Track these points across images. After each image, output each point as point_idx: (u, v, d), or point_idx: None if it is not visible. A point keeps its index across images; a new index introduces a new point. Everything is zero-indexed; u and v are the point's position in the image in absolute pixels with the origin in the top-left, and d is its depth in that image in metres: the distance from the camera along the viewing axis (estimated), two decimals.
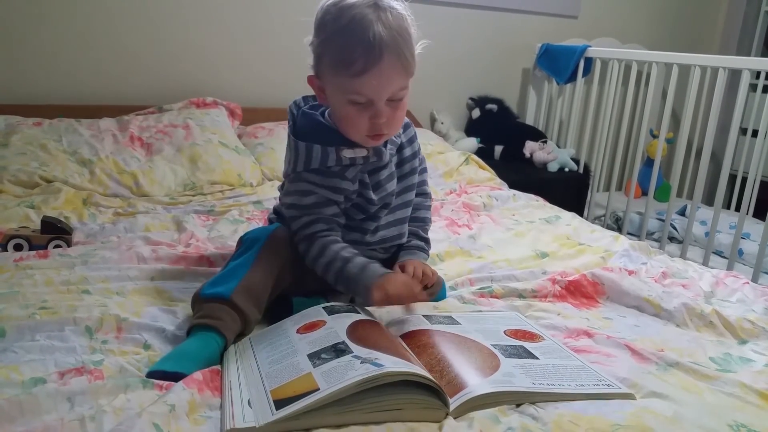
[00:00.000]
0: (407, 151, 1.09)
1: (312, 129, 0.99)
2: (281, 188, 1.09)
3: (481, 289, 1.12)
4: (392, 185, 1.05)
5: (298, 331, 0.84)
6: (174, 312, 0.96)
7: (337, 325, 0.83)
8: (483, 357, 0.83)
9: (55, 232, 1.20)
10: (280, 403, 0.68)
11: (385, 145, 1.02)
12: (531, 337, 0.92)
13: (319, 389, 0.68)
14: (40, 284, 1.00)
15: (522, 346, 0.88)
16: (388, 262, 1.06)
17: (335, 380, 0.69)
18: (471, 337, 0.89)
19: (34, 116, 1.72)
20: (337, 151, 0.97)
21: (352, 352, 0.75)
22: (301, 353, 0.77)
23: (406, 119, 1.07)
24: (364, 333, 0.82)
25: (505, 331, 0.93)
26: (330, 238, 0.98)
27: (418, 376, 0.71)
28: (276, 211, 1.13)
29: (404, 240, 1.11)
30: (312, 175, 0.98)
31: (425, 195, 1.17)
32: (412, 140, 1.10)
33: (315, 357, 0.75)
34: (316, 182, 0.98)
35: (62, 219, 1.29)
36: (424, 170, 1.16)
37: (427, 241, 1.14)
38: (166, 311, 0.96)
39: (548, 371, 0.81)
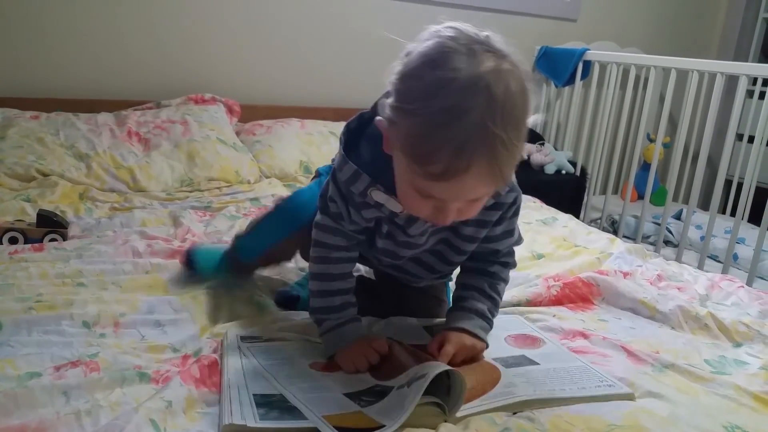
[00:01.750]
0: (468, 230, 0.85)
1: (367, 145, 0.80)
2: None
3: None
4: (418, 242, 0.86)
5: (312, 367, 0.81)
6: (170, 303, 0.96)
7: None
8: (484, 370, 0.83)
9: (51, 225, 1.19)
10: (342, 429, 0.66)
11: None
12: (532, 342, 0.91)
13: (385, 426, 0.66)
14: (34, 277, 1.00)
15: (523, 355, 0.87)
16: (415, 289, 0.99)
17: (397, 413, 0.67)
18: None
19: (31, 109, 1.71)
20: (368, 187, 0.78)
21: (393, 387, 0.73)
22: (334, 391, 0.75)
23: (516, 194, 0.85)
24: (385, 369, 0.80)
25: (506, 338, 0.92)
26: (339, 269, 0.87)
27: (448, 373, 0.71)
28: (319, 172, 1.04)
29: (418, 284, 0.97)
30: (342, 185, 0.82)
31: (506, 264, 0.91)
32: (486, 224, 0.85)
33: (354, 398, 0.73)
34: (342, 194, 0.83)
35: (58, 213, 1.28)
36: (508, 254, 0.91)
37: (493, 301, 0.89)
38: (162, 303, 0.96)
39: (549, 376, 0.81)
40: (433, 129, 0.65)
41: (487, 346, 0.86)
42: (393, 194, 0.77)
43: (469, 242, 0.86)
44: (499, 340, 0.92)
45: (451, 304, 0.92)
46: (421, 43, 0.69)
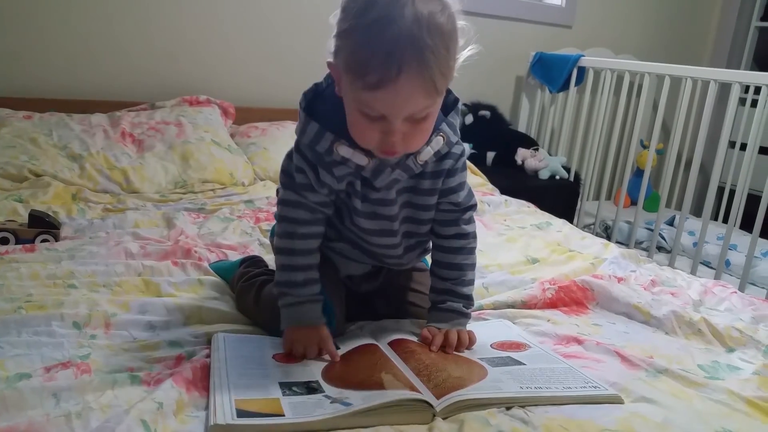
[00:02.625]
0: (426, 184, 0.89)
1: (326, 105, 0.85)
2: None
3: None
4: (388, 210, 0.89)
5: (274, 357, 0.84)
6: (162, 303, 0.95)
7: (314, 364, 0.83)
8: (471, 367, 0.84)
9: (43, 226, 1.18)
10: (241, 413, 0.68)
11: (396, 165, 0.85)
12: (517, 347, 0.92)
13: (284, 416, 0.69)
14: (25, 278, 0.99)
15: (509, 356, 0.88)
16: (384, 274, 1.02)
17: (302, 413, 0.69)
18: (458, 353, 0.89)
19: (24, 109, 1.70)
20: (332, 143, 0.83)
21: (324, 392, 0.75)
22: (272, 378, 0.77)
23: (463, 146, 0.91)
24: (339, 370, 0.81)
25: (491, 345, 0.92)
26: (304, 244, 0.88)
27: (391, 402, 0.71)
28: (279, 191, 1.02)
29: (407, 265, 1.00)
30: (306, 150, 0.85)
31: (465, 237, 0.94)
32: (440, 174, 0.89)
33: (286, 387, 0.76)
34: (307, 160, 0.85)
35: (50, 213, 1.27)
36: (467, 209, 0.94)
37: (466, 299, 0.94)
38: (155, 305, 0.95)
39: (535, 375, 0.81)
40: (366, 40, 0.73)
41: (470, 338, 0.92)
42: (357, 148, 0.82)
43: (429, 195, 0.90)
44: (485, 346, 0.92)
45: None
46: None
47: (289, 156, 0.89)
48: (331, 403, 0.72)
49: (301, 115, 0.85)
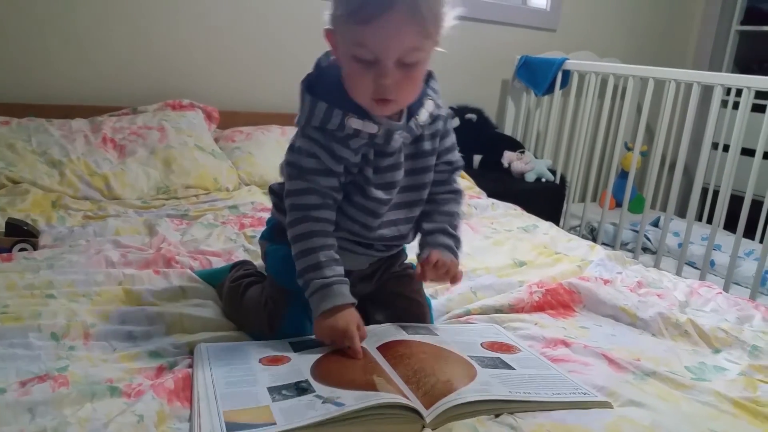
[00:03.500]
0: (426, 146, 0.94)
1: (328, 86, 0.88)
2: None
3: (456, 311, 1.08)
4: (396, 176, 0.92)
5: (261, 361, 0.82)
6: (143, 313, 0.93)
7: (302, 363, 0.82)
8: (460, 367, 0.83)
9: (21, 234, 1.16)
10: (231, 426, 0.67)
11: (402, 129, 0.90)
12: (507, 348, 0.91)
13: (275, 424, 0.67)
14: (1, 288, 0.96)
15: (499, 358, 0.87)
16: (390, 260, 1.02)
17: (294, 418, 0.68)
18: (448, 348, 0.88)
19: (1, 115, 1.67)
20: (343, 116, 0.86)
21: (314, 392, 0.74)
22: (260, 384, 0.76)
23: (448, 110, 0.98)
24: (329, 368, 0.80)
25: (482, 344, 0.92)
26: (318, 226, 0.88)
27: (383, 405, 0.70)
28: (273, 190, 1.00)
29: (408, 241, 1.00)
30: (316, 133, 0.87)
31: (456, 192, 1.01)
32: (436, 134, 0.95)
33: (275, 391, 0.74)
34: (319, 142, 0.87)
35: (29, 221, 1.25)
36: (457, 169, 1.01)
37: (456, 239, 0.98)
38: (135, 314, 0.93)
39: (525, 380, 0.81)
40: None
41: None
42: (366, 118, 0.87)
43: (431, 155, 0.95)
44: (475, 345, 0.91)
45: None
46: None
47: (292, 148, 0.90)
48: (322, 403, 0.71)
49: (307, 98, 0.88)
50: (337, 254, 0.89)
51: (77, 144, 1.63)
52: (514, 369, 0.84)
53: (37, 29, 1.81)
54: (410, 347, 0.87)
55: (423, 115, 0.92)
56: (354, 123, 0.86)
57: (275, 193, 0.98)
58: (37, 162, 1.54)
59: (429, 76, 0.94)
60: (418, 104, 0.91)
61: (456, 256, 0.96)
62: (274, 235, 0.99)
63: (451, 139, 0.99)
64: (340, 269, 0.88)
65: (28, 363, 0.77)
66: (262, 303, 0.93)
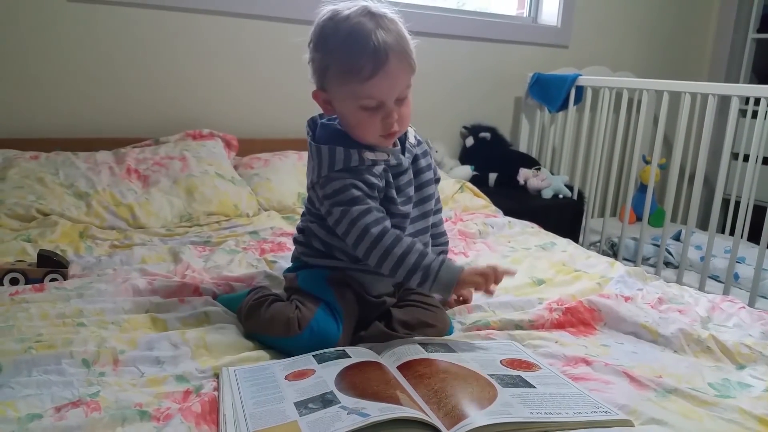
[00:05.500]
0: (422, 162, 1.11)
1: (331, 136, 1.03)
2: (307, 202, 1.10)
3: (476, 322, 1.11)
4: (411, 191, 1.07)
5: (286, 378, 0.84)
6: (169, 338, 0.96)
7: (326, 374, 0.84)
8: (480, 386, 0.83)
9: (52, 265, 1.20)
10: None
11: (402, 152, 1.06)
12: (528, 366, 0.92)
13: None
14: (35, 318, 1.00)
15: (519, 376, 0.88)
16: None
17: (321, 431, 0.69)
18: (468, 366, 0.89)
19: (31, 150, 1.73)
20: (359, 153, 0.99)
21: (340, 403, 0.75)
22: (288, 401, 0.77)
23: (419, 137, 1.14)
24: (353, 380, 0.82)
25: (501, 361, 0.92)
26: (395, 232, 0.97)
27: (406, 419, 0.71)
28: (300, 230, 1.12)
29: (428, 250, 1.11)
30: (343, 173, 0.99)
31: (439, 200, 1.19)
32: (426, 153, 1.14)
33: (302, 406, 0.76)
34: (351, 178, 0.99)
35: (58, 252, 1.29)
36: (438, 180, 1.18)
37: (447, 251, 1.22)
38: (161, 339, 0.95)
39: (546, 399, 0.81)
40: (350, 46, 0.94)
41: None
42: (375, 150, 1.01)
43: (428, 170, 1.12)
44: (494, 362, 0.92)
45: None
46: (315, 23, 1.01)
47: (330, 196, 1.00)
48: (348, 414, 0.72)
49: (323, 149, 1.00)
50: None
51: (102, 176, 1.68)
52: (534, 387, 0.84)
53: (62, 69, 1.88)
54: (430, 366, 0.88)
55: (412, 138, 1.10)
56: (369, 155, 1.00)
57: (302, 233, 1.12)
58: (65, 194, 1.59)
59: None
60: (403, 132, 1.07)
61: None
62: (300, 268, 1.10)
63: (429, 158, 1.17)
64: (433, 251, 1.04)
65: (62, 389, 0.80)
66: (291, 308, 0.98)
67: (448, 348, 0.96)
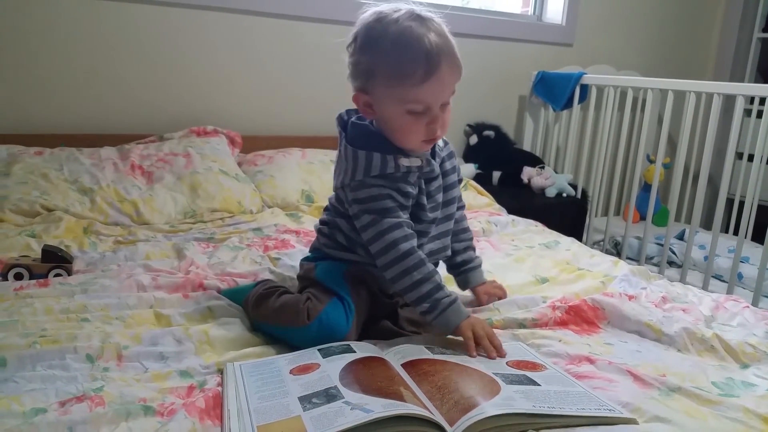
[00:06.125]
0: (448, 165, 1.11)
1: (367, 138, 1.01)
2: (335, 200, 1.09)
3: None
4: (440, 198, 1.08)
5: (291, 372, 0.84)
6: (173, 333, 0.96)
7: (331, 369, 0.84)
8: (484, 383, 0.83)
9: (56, 260, 1.20)
10: None
11: (433, 156, 1.06)
12: (533, 367, 0.92)
13: None
14: (39, 313, 1.00)
15: (524, 375, 0.88)
16: None
17: (324, 426, 0.69)
18: (473, 366, 0.89)
19: (35, 145, 1.74)
20: (395, 160, 0.99)
21: (343, 398, 0.75)
22: (292, 395, 0.78)
23: (445, 139, 1.13)
24: (358, 375, 0.82)
25: (507, 362, 0.93)
26: (420, 255, 0.98)
27: (408, 416, 0.71)
28: (325, 222, 1.11)
29: (449, 252, 1.14)
30: (378, 179, 0.99)
31: (463, 205, 1.22)
32: (451, 155, 1.14)
33: (306, 400, 0.76)
34: (387, 186, 0.99)
35: (63, 248, 1.29)
36: (461, 180, 1.19)
37: (474, 248, 1.23)
38: (165, 335, 0.96)
39: (549, 396, 0.81)
40: (402, 49, 0.92)
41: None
42: (410, 156, 1.01)
43: (453, 173, 1.12)
44: (500, 363, 0.92)
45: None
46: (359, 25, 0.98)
47: (362, 201, 1.00)
48: (351, 409, 0.72)
49: (360, 153, 0.99)
50: None
51: (107, 172, 1.69)
52: (539, 385, 0.84)
53: (67, 65, 1.89)
54: (434, 365, 0.89)
55: (440, 141, 1.09)
56: (405, 162, 1.00)
57: (326, 225, 1.11)
58: (69, 190, 1.60)
59: None
60: None
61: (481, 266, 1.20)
62: (319, 258, 1.11)
63: (454, 160, 1.16)
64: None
65: (66, 384, 0.80)
66: (302, 299, 0.99)
67: (453, 351, 0.96)
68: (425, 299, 0.96)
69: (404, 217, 0.99)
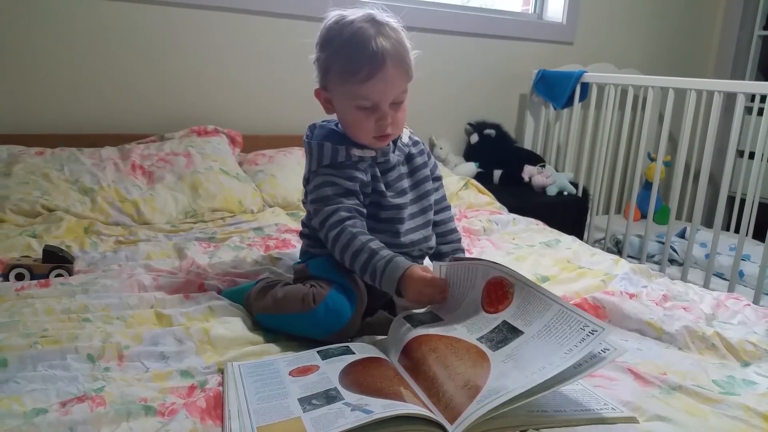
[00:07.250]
0: (418, 160, 1.16)
1: (325, 135, 1.10)
2: (304, 197, 1.15)
3: None
4: (404, 184, 1.12)
5: (290, 374, 0.84)
6: (174, 333, 0.96)
7: (330, 371, 0.84)
8: (472, 360, 0.81)
9: (57, 261, 1.20)
10: None
11: (393, 150, 1.12)
12: (504, 296, 0.87)
13: None
14: (40, 313, 1.00)
15: (504, 322, 0.84)
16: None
17: (325, 427, 0.69)
18: (456, 335, 0.87)
19: (36, 146, 1.74)
20: (347, 150, 1.06)
21: (343, 399, 0.75)
22: (292, 396, 0.78)
23: (416, 138, 1.19)
24: (357, 376, 0.82)
25: (483, 305, 0.89)
26: (357, 230, 1.01)
27: (409, 416, 0.71)
28: (305, 223, 1.17)
29: (433, 243, 1.17)
30: (327, 169, 1.06)
31: (449, 208, 1.24)
32: (422, 152, 1.18)
33: (306, 402, 0.76)
34: (332, 174, 1.05)
35: (64, 248, 1.29)
36: (440, 177, 1.23)
37: (463, 250, 1.26)
38: (166, 334, 0.96)
39: (538, 348, 0.77)
40: (351, 48, 1.00)
41: None
42: (363, 148, 1.07)
43: (424, 168, 1.17)
44: (478, 313, 0.88)
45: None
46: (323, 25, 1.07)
47: (312, 190, 1.07)
48: (351, 410, 0.72)
49: (313, 145, 1.08)
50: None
51: (107, 171, 1.69)
52: (522, 333, 0.81)
53: (67, 65, 1.89)
54: (421, 347, 0.87)
55: (405, 137, 1.15)
56: (356, 152, 1.07)
57: (305, 227, 1.16)
58: (70, 190, 1.60)
59: None
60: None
61: None
62: (308, 259, 1.14)
63: (429, 155, 1.22)
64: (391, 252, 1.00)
65: (67, 384, 0.80)
66: (306, 286, 1.01)
67: (433, 316, 0.95)
68: (366, 269, 0.98)
69: (348, 203, 1.04)
